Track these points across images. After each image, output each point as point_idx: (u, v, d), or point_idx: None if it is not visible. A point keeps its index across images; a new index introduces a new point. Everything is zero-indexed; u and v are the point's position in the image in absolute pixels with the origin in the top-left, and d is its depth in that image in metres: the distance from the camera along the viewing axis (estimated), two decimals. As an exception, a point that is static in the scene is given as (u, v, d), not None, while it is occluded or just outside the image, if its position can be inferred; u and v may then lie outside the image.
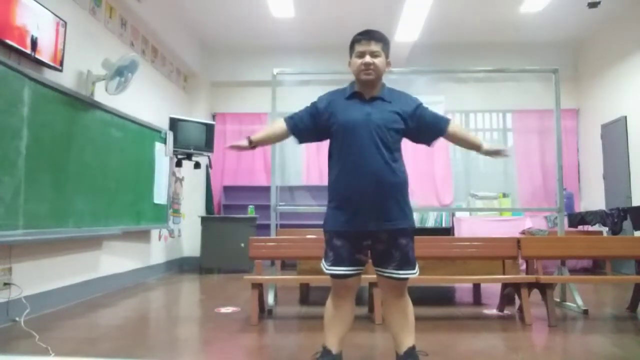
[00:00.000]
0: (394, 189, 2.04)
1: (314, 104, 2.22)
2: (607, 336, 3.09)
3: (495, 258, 4.04)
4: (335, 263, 2.08)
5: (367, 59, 2.07)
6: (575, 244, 3.89)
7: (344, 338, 2.16)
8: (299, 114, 2.24)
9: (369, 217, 2.02)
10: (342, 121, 2.09)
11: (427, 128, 2.18)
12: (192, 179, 7.21)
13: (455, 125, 2.25)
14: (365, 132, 2.04)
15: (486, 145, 2.22)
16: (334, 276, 2.09)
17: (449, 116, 2.30)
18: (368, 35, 2.10)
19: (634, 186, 6.13)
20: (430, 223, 7.37)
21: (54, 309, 3.78)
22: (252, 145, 2.22)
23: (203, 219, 6.67)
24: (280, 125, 2.24)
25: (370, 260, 2.15)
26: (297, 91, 6.70)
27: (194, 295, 4.93)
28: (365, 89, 2.13)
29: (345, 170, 2.07)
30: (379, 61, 2.08)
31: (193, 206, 7.24)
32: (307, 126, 2.20)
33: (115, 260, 4.93)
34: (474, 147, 2.25)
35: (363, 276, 2.16)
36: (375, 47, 2.08)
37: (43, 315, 3.57)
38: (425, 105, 2.21)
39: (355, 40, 2.12)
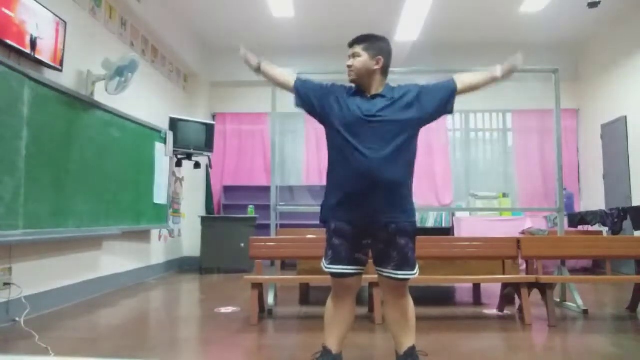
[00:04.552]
0: (392, 186, 2.03)
1: (325, 84, 2.24)
2: (607, 336, 3.09)
3: (495, 258, 4.04)
4: (334, 262, 2.08)
5: (348, 61, 2.16)
6: (575, 244, 3.89)
7: (345, 338, 2.16)
8: (310, 82, 2.27)
9: (366, 213, 2.02)
10: (342, 117, 2.09)
11: (437, 101, 2.15)
12: (192, 179, 7.21)
13: (461, 80, 2.19)
14: (365, 128, 2.04)
15: (499, 72, 2.20)
16: (333, 275, 2.09)
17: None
18: (351, 41, 2.20)
19: (634, 186, 6.13)
20: (430, 223, 7.36)
21: (54, 309, 3.78)
22: (258, 70, 2.31)
23: (203, 219, 6.67)
24: (290, 79, 2.28)
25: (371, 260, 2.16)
26: (297, 91, 6.74)
27: (194, 295, 4.93)
28: (365, 88, 2.15)
29: (344, 165, 2.07)
30: (357, 62, 2.13)
31: (193, 206, 7.24)
32: (311, 95, 2.22)
33: (115, 260, 4.93)
34: (491, 82, 2.21)
35: (363, 276, 2.16)
36: (356, 49, 2.15)
37: (43, 315, 3.57)
38: (426, 85, 2.20)
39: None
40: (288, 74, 2.30)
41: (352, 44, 2.18)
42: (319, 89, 2.22)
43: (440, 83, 2.20)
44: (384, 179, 2.01)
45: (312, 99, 2.20)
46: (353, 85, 2.20)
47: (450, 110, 2.19)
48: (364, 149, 2.02)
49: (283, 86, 2.31)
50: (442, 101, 2.16)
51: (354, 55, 2.14)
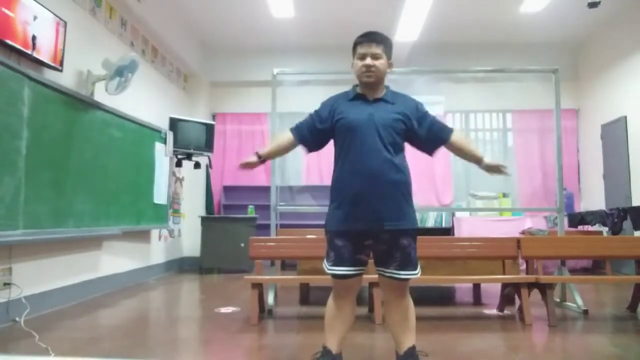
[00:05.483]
0: (396, 188, 2.04)
1: (316, 112, 2.22)
2: (607, 336, 3.09)
3: (495, 258, 4.04)
4: (336, 263, 2.07)
5: (368, 61, 2.08)
6: (575, 244, 3.89)
7: (345, 338, 2.16)
8: (304, 122, 2.23)
9: (370, 216, 2.02)
10: (345, 122, 2.10)
11: (431, 134, 2.16)
12: (192, 179, 7.21)
13: (459, 136, 2.22)
14: (368, 132, 2.04)
15: (487, 160, 2.19)
16: (335, 276, 2.09)
17: (449, 120, 2.27)
18: (369, 38, 2.11)
19: (634, 186, 6.13)
20: (430, 223, 7.36)
21: (54, 309, 3.78)
22: (262, 160, 2.22)
23: (203, 219, 6.67)
24: (287, 136, 2.23)
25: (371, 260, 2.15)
26: (297, 91, 6.74)
27: (194, 295, 4.93)
28: (368, 91, 2.15)
29: (347, 169, 2.07)
30: (379, 63, 2.09)
31: (193, 206, 7.24)
32: (313, 133, 2.20)
33: (115, 260, 4.93)
34: (475, 160, 2.21)
35: (364, 276, 2.16)
36: (376, 49, 2.09)
37: (43, 315, 3.57)
38: (428, 111, 2.21)
39: (357, 43, 2.14)
40: (283, 137, 2.25)
41: (370, 41, 2.10)
42: (314, 122, 2.20)
43: (443, 123, 2.22)
44: (386, 180, 2.02)
45: (315, 136, 2.19)
46: (348, 89, 2.20)
47: (432, 146, 2.20)
48: (365, 152, 2.03)
49: (289, 148, 2.26)
50: (433, 132, 2.16)
51: (375, 56, 2.09)
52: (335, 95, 2.24)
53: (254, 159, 2.20)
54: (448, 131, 2.19)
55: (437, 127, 2.18)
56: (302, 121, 2.25)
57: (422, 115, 2.16)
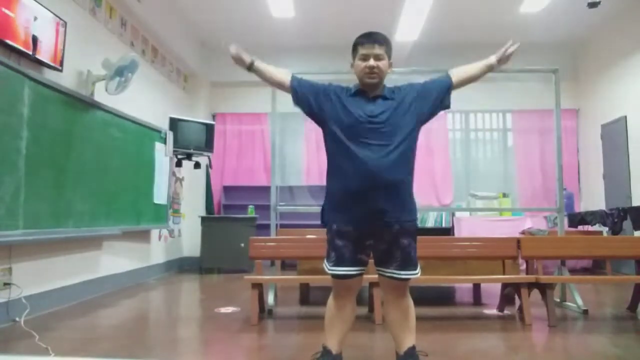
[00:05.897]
0: (394, 185, 2.02)
1: (323, 84, 2.21)
2: (607, 336, 3.09)
3: (495, 258, 4.04)
4: (337, 263, 2.07)
5: (371, 62, 2.06)
6: (575, 244, 3.89)
7: (345, 338, 2.16)
8: (307, 81, 2.22)
9: (369, 213, 2.01)
10: (342, 118, 2.08)
11: (433, 99, 2.15)
12: (192, 179, 7.21)
13: (457, 74, 2.20)
14: (366, 129, 2.03)
15: (494, 58, 2.25)
16: (336, 277, 2.09)
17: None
18: (372, 38, 2.09)
19: (634, 186, 6.13)
20: (430, 223, 7.36)
21: (54, 309, 3.78)
22: (251, 68, 2.20)
23: (203, 219, 6.67)
24: (285, 75, 2.21)
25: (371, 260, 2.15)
26: (297, 91, 6.74)
27: (194, 295, 4.93)
28: (369, 89, 2.13)
29: (345, 166, 2.05)
30: (382, 64, 2.08)
31: (193, 206, 7.24)
32: (308, 96, 2.17)
33: (115, 260, 4.93)
34: (488, 70, 2.24)
35: (364, 276, 2.15)
36: (379, 50, 2.07)
37: (43, 315, 3.57)
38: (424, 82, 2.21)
39: (359, 43, 2.11)
40: (283, 73, 2.22)
41: (373, 42, 2.08)
42: (316, 89, 2.18)
43: (436, 80, 2.20)
44: (386, 179, 2.00)
45: (309, 99, 2.16)
46: (350, 85, 2.18)
47: (447, 106, 2.19)
48: (365, 150, 2.01)
49: (278, 85, 2.23)
50: (438, 99, 2.16)
51: (378, 58, 2.07)
52: (339, 86, 2.19)
53: (247, 60, 2.21)
54: (445, 80, 2.18)
55: (435, 86, 2.17)
56: (306, 80, 2.22)
57: (421, 91, 2.15)
